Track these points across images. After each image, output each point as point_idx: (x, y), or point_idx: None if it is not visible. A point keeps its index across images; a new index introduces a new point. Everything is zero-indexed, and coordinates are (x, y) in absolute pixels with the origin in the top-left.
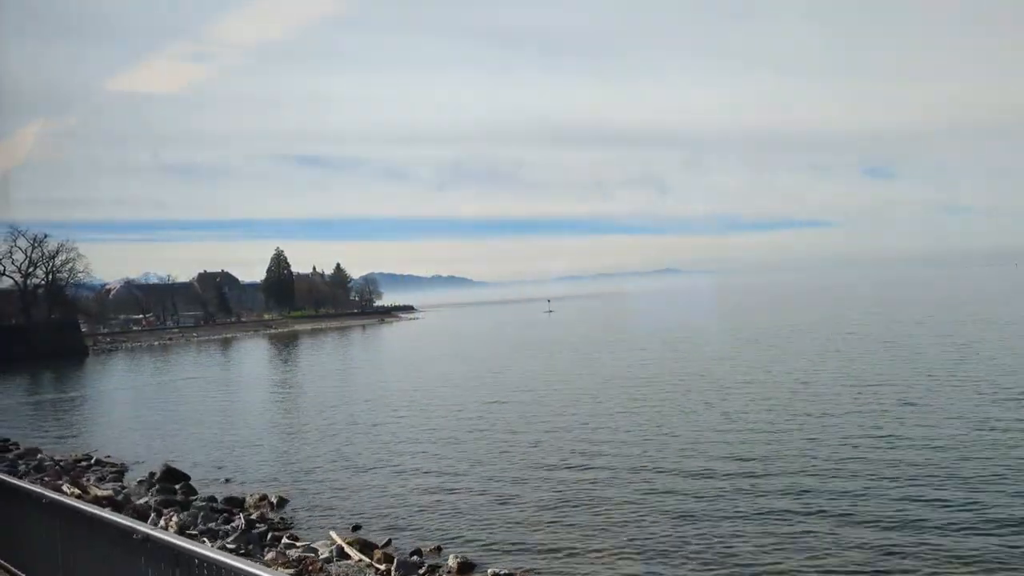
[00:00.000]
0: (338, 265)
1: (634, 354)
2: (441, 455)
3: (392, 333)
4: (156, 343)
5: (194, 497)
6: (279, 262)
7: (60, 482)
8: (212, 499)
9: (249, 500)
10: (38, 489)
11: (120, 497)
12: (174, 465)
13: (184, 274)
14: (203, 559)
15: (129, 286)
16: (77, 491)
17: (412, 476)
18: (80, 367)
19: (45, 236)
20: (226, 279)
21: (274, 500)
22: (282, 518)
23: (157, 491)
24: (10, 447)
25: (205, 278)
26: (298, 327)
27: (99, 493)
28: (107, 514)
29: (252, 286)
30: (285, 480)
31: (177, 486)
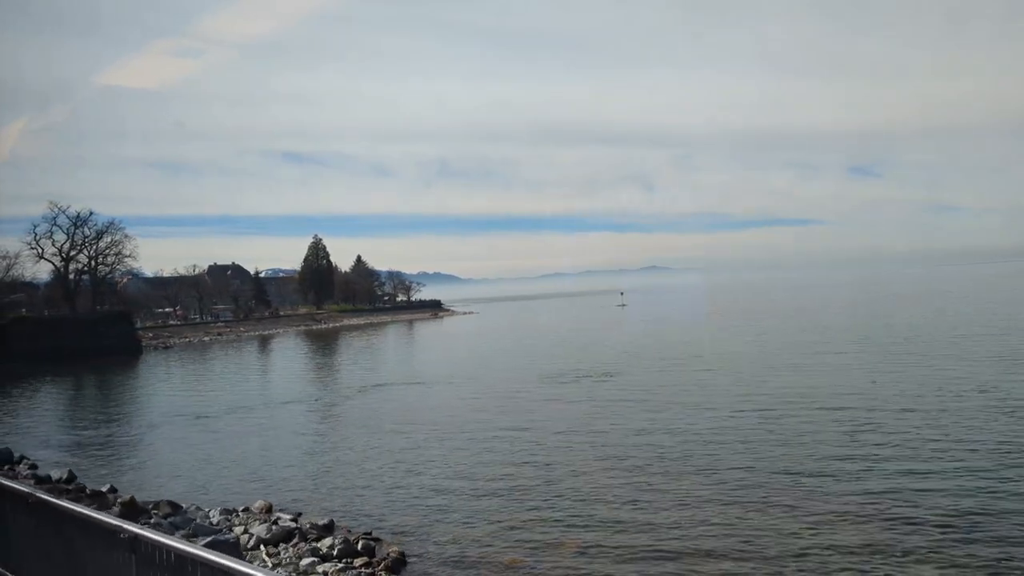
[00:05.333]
0: (359, 258)
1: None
2: None
3: (464, 328)
4: (206, 338)
5: None
6: (317, 252)
7: None
8: None
9: None
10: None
11: None
12: None
13: (167, 269)
14: (198, 560)
15: (137, 279)
16: None
17: None
18: (136, 366)
19: (91, 213)
20: (236, 272)
21: None
22: None
23: None
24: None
25: (216, 271)
26: (347, 321)
27: None
28: (93, 512)
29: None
30: None
31: None
